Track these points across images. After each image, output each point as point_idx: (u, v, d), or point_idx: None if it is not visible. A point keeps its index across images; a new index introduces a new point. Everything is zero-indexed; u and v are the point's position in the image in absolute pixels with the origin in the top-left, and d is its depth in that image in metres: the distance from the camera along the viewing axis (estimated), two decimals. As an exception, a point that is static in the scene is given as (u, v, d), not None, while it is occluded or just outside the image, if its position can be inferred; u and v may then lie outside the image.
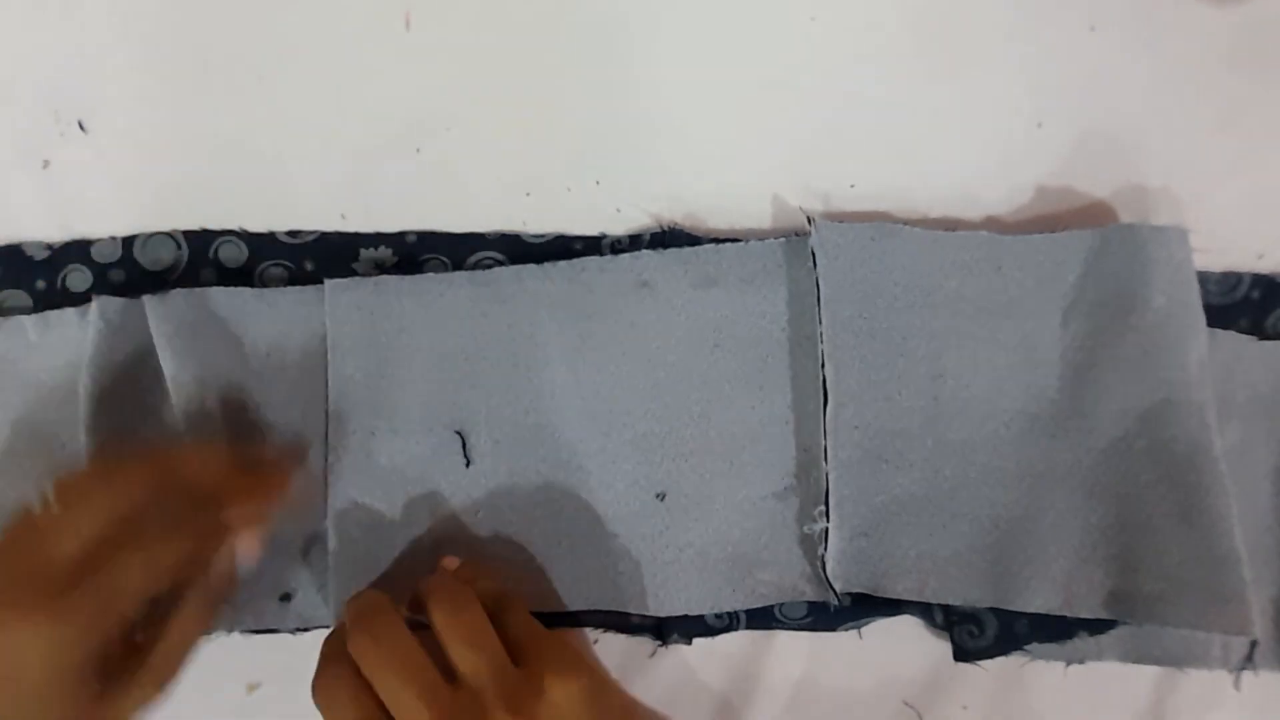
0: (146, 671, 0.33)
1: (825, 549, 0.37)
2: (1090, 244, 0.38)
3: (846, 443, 0.37)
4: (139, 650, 0.33)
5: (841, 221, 0.38)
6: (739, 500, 0.39)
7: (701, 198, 0.41)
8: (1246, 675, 0.39)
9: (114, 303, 0.40)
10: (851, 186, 0.41)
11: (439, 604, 0.34)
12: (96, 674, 0.31)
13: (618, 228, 0.41)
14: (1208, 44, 0.40)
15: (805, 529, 0.38)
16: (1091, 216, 0.40)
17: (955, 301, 0.38)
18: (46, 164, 0.42)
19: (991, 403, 0.38)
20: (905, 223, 0.39)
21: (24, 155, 0.42)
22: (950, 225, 0.40)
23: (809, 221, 0.38)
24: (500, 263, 0.41)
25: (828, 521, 0.37)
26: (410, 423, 0.40)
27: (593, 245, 0.41)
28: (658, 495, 0.39)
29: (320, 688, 0.33)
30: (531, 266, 0.40)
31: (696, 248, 0.40)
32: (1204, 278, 0.39)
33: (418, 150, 0.42)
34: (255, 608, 0.40)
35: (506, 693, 0.32)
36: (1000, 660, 0.39)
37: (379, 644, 0.32)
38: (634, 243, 0.41)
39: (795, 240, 0.39)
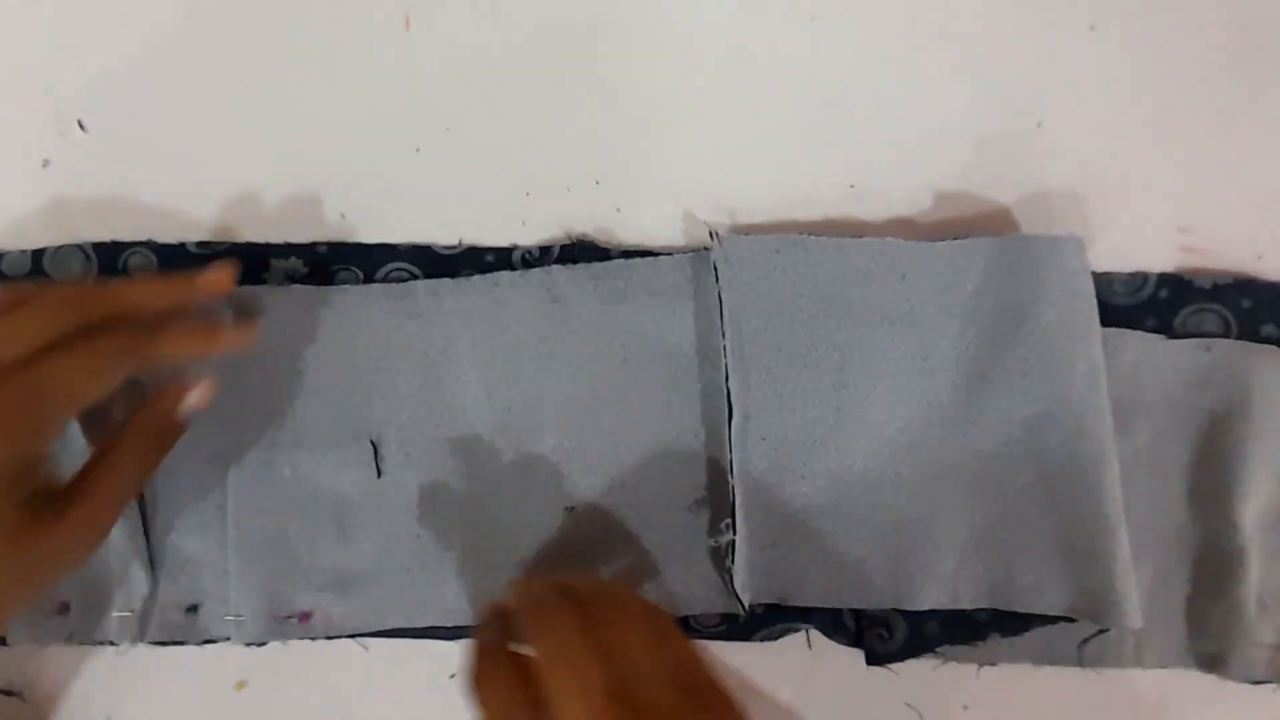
0: (76, 512, 0.31)
1: (731, 561, 0.38)
2: (989, 253, 0.38)
3: (753, 454, 0.38)
4: (68, 494, 0.31)
5: (747, 234, 0.39)
6: (651, 514, 0.39)
7: (701, 197, 0.41)
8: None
9: None
10: (851, 187, 0.41)
11: (619, 606, 0.32)
12: (21, 501, 0.30)
13: (618, 228, 0.41)
14: (1207, 44, 0.40)
15: (713, 542, 0.39)
16: (1088, 216, 0.40)
17: (858, 311, 0.38)
18: (46, 164, 0.42)
19: (890, 410, 0.38)
20: (864, 229, 0.39)
21: (24, 155, 0.42)
22: (941, 225, 0.40)
23: (711, 236, 0.38)
24: (412, 274, 0.41)
25: (734, 534, 0.38)
26: (318, 434, 0.40)
27: (504, 256, 0.41)
28: (568, 509, 0.40)
29: (478, 678, 0.31)
30: (446, 281, 0.40)
31: (607, 263, 0.40)
32: (1110, 278, 0.40)
33: (418, 150, 0.42)
34: (162, 619, 0.40)
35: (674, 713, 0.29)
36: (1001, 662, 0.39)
37: (554, 635, 0.30)
38: (544, 254, 0.41)
39: (704, 254, 0.40)
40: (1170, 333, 0.40)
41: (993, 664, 0.39)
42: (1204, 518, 0.39)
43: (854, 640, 0.39)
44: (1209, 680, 0.39)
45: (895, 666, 0.39)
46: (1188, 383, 0.39)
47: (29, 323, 0.31)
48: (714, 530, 0.39)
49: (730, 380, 0.38)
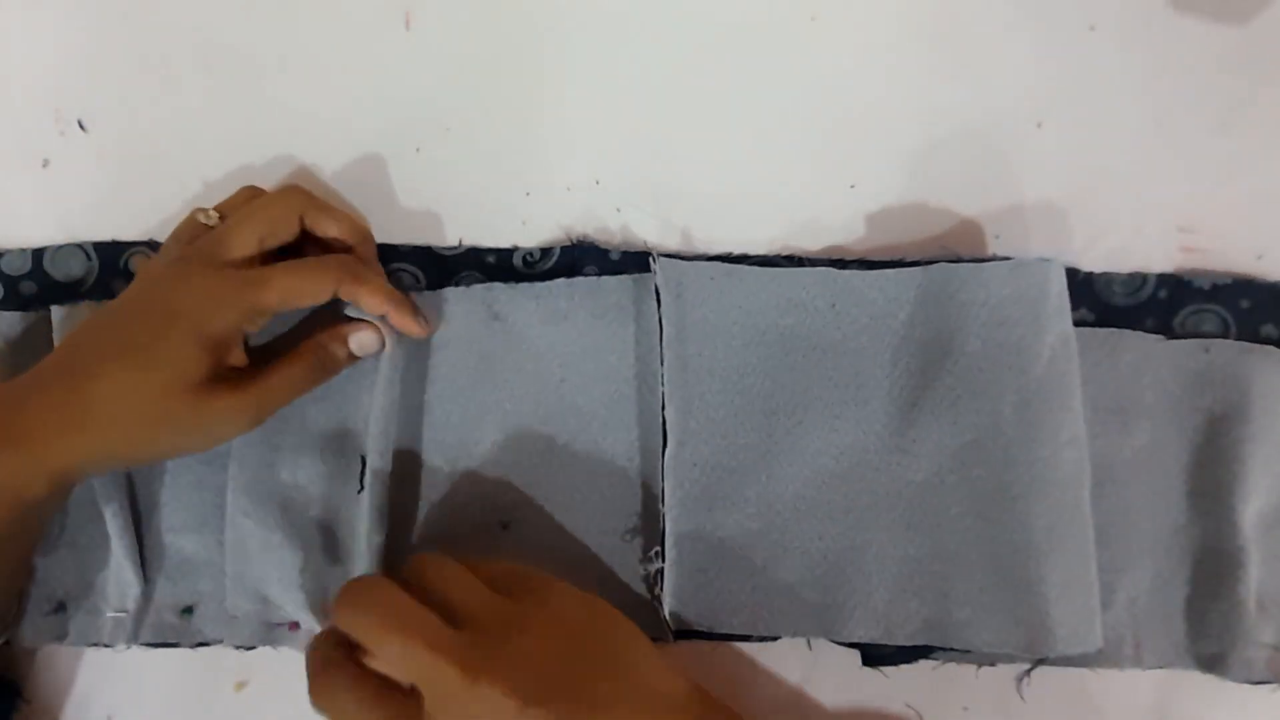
0: (248, 388, 0.36)
1: (660, 588, 0.38)
2: (919, 282, 0.38)
3: (685, 481, 0.38)
4: (246, 376, 0.36)
5: (685, 260, 0.39)
6: (587, 537, 0.40)
7: (701, 197, 0.41)
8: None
9: (11, 318, 0.40)
10: (851, 187, 0.41)
11: (419, 566, 0.34)
12: (214, 365, 0.35)
13: (618, 228, 0.41)
14: (1207, 44, 0.40)
15: (644, 570, 0.39)
16: (1088, 216, 0.40)
17: (790, 339, 0.39)
18: (46, 164, 0.42)
19: (822, 439, 0.38)
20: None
21: (24, 155, 0.42)
22: (935, 236, 0.40)
23: (651, 260, 0.39)
24: (413, 274, 0.41)
25: (663, 561, 0.38)
26: (309, 441, 0.40)
27: (505, 257, 0.41)
28: (501, 523, 0.40)
29: (318, 690, 0.32)
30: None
31: (549, 282, 0.40)
32: (1110, 279, 0.40)
33: (418, 150, 0.42)
34: (156, 620, 0.40)
35: (511, 614, 0.32)
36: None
37: (373, 609, 0.32)
38: (545, 255, 0.41)
39: (645, 277, 0.40)
40: (1169, 333, 0.40)
41: (992, 665, 0.39)
42: (1203, 518, 0.39)
43: (851, 643, 0.39)
44: (1208, 680, 0.39)
45: (896, 667, 0.39)
46: (1187, 383, 0.39)
47: (263, 226, 0.37)
48: (645, 558, 0.39)
49: (666, 408, 0.38)
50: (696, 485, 0.38)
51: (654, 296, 0.39)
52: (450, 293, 0.40)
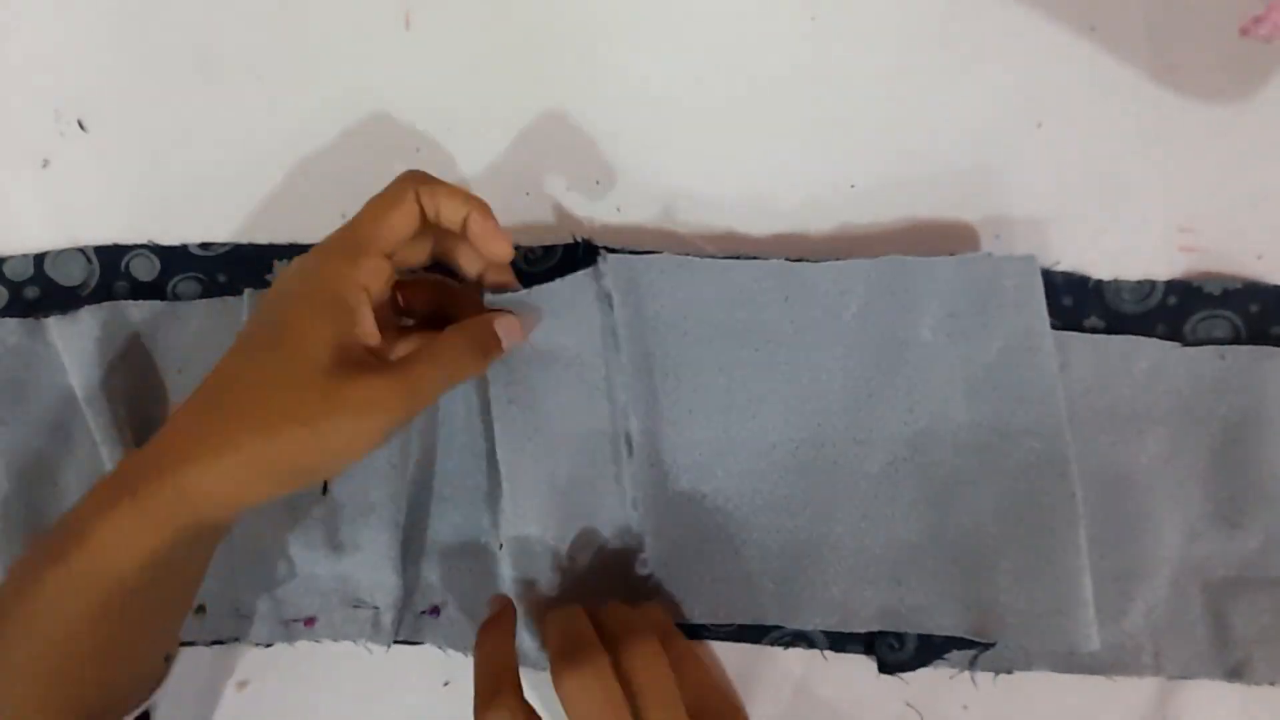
0: (392, 371, 0.31)
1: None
2: (869, 275, 0.38)
3: (644, 479, 0.38)
4: (387, 360, 0.33)
5: (634, 255, 0.38)
6: (573, 542, 0.39)
7: (701, 197, 0.41)
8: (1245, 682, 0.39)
9: (8, 324, 0.40)
10: (852, 186, 0.41)
11: (636, 655, 0.33)
12: (339, 344, 0.31)
13: (618, 227, 0.41)
14: (1207, 44, 0.40)
15: (639, 570, 0.39)
16: (1088, 216, 0.40)
17: (744, 333, 0.39)
18: (46, 164, 0.42)
19: (778, 432, 0.39)
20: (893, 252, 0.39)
21: (24, 155, 0.42)
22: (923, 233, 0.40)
23: (599, 258, 0.38)
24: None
25: (649, 567, 0.38)
26: None
27: None
28: (500, 546, 0.40)
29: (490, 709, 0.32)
30: None
31: (507, 294, 0.39)
32: (1119, 286, 0.40)
33: (418, 150, 0.42)
34: None
35: None
36: (1001, 661, 0.39)
37: (590, 699, 0.32)
38: (547, 253, 0.41)
39: (597, 275, 0.39)
40: (1180, 339, 0.39)
41: (1008, 671, 0.39)
42: (1221, 525, 0.39)
43: (866, 650, 0.40)
44: (1209, 685, 0.39)
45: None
46: (1202, 390, 0.39)
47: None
48: (639, 561, 0.39)
49: (629, 406, 0.38)
50: (655, 482, 0.38)
51: (605, 296, 0.38)
52: None
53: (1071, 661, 0.39)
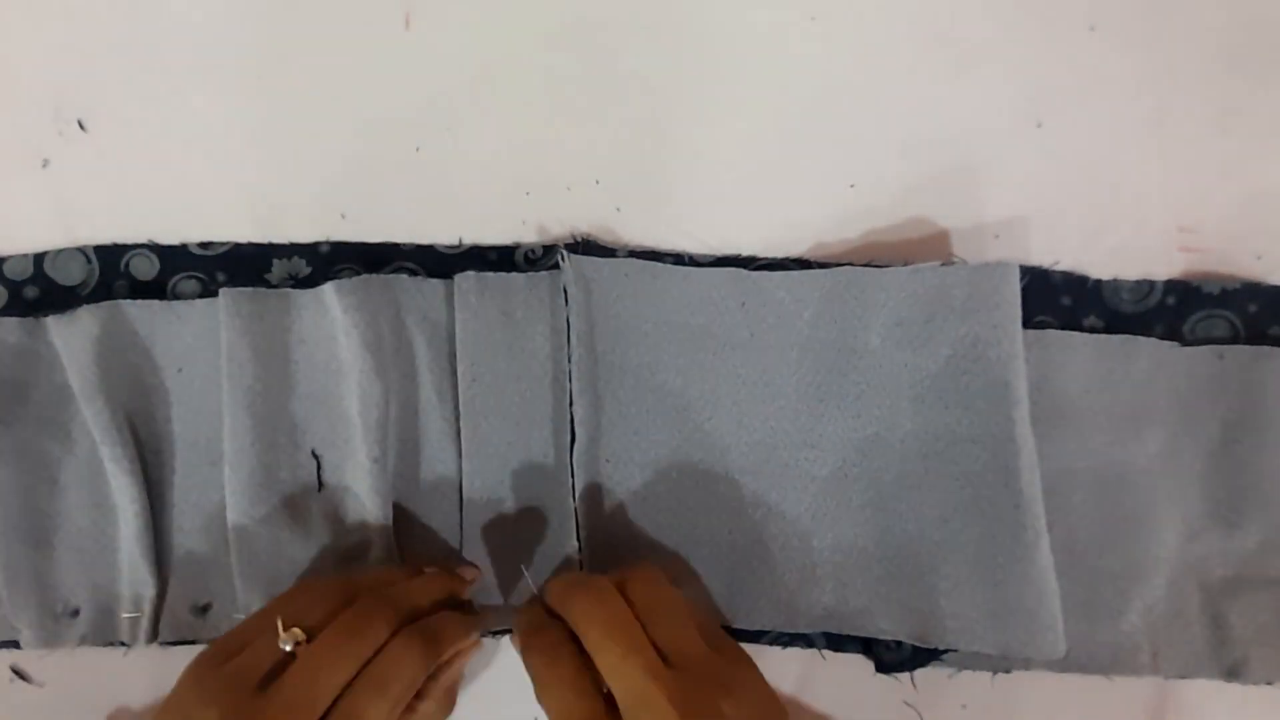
0: None
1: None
2: (824, 283, 0.39)
3: (597, 475, 0.39)
4: None
5: (597, 256, 0.39)
6: (512, 527, 0.40)
7: (700, 197, 0.41)
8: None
9: (8, 324, 0.40)
10: (851, 186, 0.41)
11: (637, 580, 0.34)
12: None
13: (618, 227, 0.41)
14: (1207, 44, 0.40)
15: (563, 561, 0.40)
16: (1088, 216, 0.40)
17: (702, 337, 0.39)
18: (46, 164, 0.42)
19: (732, 435, 0.39)
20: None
21: (24, 155, 0.42)
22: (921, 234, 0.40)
23: (562, 257, 0.39)
24: (414, 273, 0.41)
25: (580, 555, 0.38)
26: (297, 437, 0.40)
27: (506, 255, 0.41)
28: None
29: (534, 648, 0.33)
30: (344, 283, 0.39)
31: (460, 275, 0.40)
32: (1117, 285, 0.40)
33: (417, 150, 0.42)
34: (172, 619, 0.40)
35: (722, 675, 0.32)
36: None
37: (597, 610, 0.33)
38: (548, 253, 0.41)
39: (559, 274, 0.40)
40: (1179, 339, 0.39)
41: (1006, 671, 0.39)
42: (1219, 525, 0.39)
43: (863, 650, 0.40)
44: (1208, 686, 0.39)
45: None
46: (1201, 390, 0.39)
47: (342, 663, 0.33)
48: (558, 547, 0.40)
49: (574, 404, 0.38)
50: (608, 480, 0.39)
51: (563, 294, 0.39)
52: (359, 283, 0.39)
53: (1069, 662, 0.39)
